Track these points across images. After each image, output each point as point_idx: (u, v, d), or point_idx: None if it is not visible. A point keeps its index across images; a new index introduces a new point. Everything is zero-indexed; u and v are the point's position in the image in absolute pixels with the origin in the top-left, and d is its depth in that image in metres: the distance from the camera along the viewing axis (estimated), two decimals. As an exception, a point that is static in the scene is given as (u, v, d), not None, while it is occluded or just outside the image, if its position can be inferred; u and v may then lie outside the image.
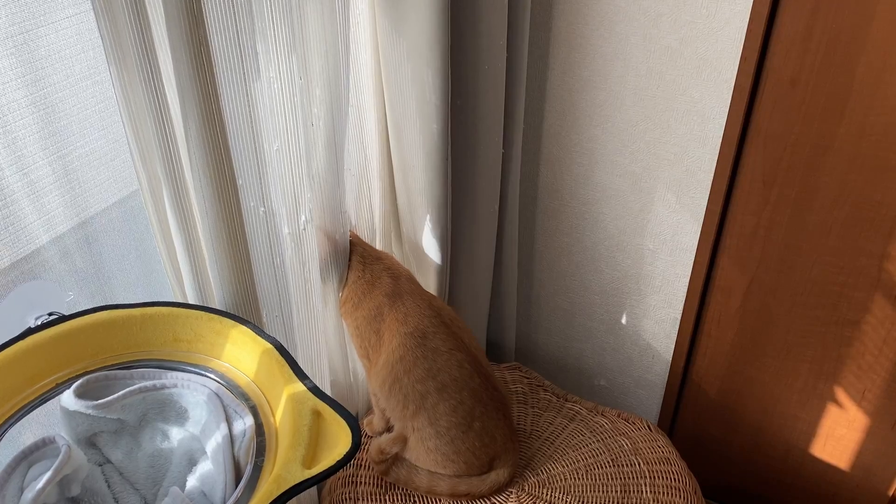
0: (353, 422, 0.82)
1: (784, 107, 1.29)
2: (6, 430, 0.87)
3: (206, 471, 0.88)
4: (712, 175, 1.41)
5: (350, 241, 1.30)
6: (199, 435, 0.92)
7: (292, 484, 0.76)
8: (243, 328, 0.95)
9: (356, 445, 0.80)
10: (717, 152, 1.38)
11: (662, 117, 1.40)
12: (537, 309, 1.80)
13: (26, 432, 0.93)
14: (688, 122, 1.39)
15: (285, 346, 0.98)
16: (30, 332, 0.92)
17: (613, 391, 1.82)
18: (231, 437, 0.86)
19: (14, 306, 0.95)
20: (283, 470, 0.77)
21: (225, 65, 0.88)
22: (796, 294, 1.46)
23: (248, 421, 0.86)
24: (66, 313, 0.97)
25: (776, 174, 1.36)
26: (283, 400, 0.87)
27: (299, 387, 0.87)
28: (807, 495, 1.70)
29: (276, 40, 0.98)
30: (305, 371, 0.89)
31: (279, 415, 0.88)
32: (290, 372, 0.89)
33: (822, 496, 1.68)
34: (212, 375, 0.94)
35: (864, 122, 1.24)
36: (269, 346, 0.92)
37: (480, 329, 1.69)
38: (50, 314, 0.97)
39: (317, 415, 0.84)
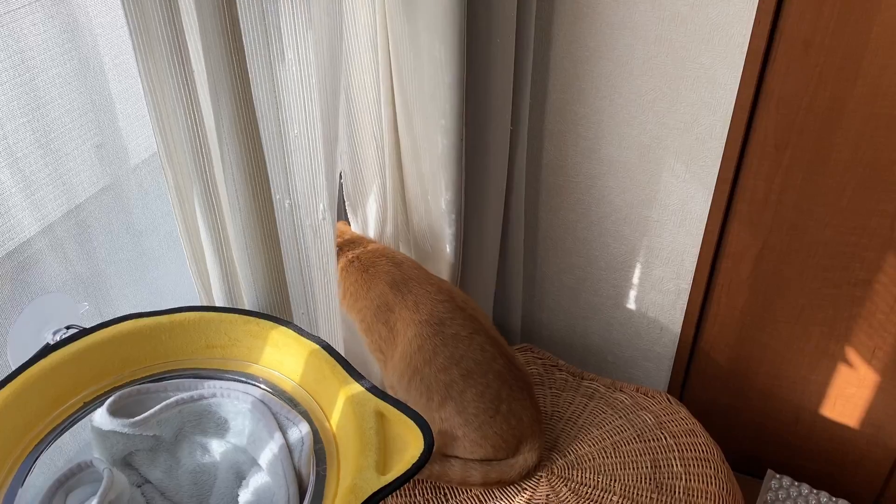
0: (422, 421, 0.78)
1: (797, 69, 1.28)
2: (37, 458, 0.80)
3: (262, 484, 0.82)
4: (724, 142, 1.39)
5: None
6: (244, 446, 0.87)
7: (371, 493, 0.71)
8: (284, 329, 0.89)
9: (430, 446, 0.75)
10: (729, 118, 1.36)
11: (672, 85, 1.38)
12: (541, 288, 1.77)
13: (55, 458, 0.86)
14: (698, 89, 1.36)
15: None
16: (50, 349, 0.85)
17: (621, 365, 1.80)
18: (288, 447, 0.80)
19: (28, 323, 0.88)
20: (359, 478, 0.73)
21: (253, 48, 0.82)
22: (808, 257, 1.46)
23: (304, 428, 0.81)
24: (85, 326, 0.90)
25: (789, 138, 1.35)
26: (341, 403, 0.82)
27: (356, 388, 0.82)
28: (816, 455, 1.72)
29: (294, 18, 0.91)
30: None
31: (336, 419, 0.82)
32: (344, 372, 0.84)
33: (831, 454, 1.70)
34: (253, 382, 0.88)
35: (879, 81, 1.24)
36: (316, 346, 0.86)
37: (487, 311, 1.65)
38: (68, 328, 0.90)
39: (380, 416, 0.79)
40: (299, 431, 0.81)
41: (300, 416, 0.83)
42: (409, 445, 0.76)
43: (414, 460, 0.74)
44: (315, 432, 0.82)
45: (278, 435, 0.81)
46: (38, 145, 0.89)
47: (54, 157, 0.92)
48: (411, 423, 0.77)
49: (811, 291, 1.50)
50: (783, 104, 1.32)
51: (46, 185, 0.93)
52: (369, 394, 0.81)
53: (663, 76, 1.38)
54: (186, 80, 0.76)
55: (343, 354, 1.29)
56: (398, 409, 0.79)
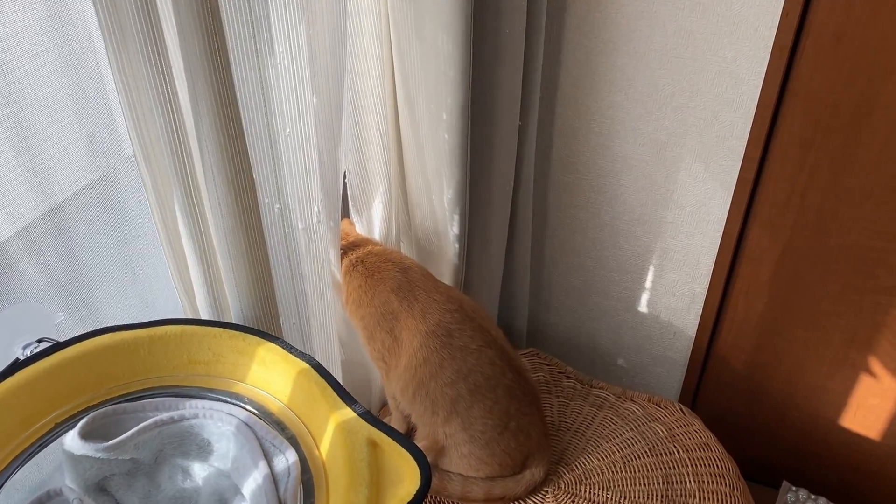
0: (419, 453, 0.71)
1: (826, 64, 1.20)
2: (2, 485, 0.74)
3: (245, 516, 0.76)
4: (745, 141, 1.31)
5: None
6: (227, 470, 0.80)
7: (361, 534, 0.65)
8: (271, 345, 0.82)
9: (427, 481, 0.69)
10: (752, 116, 1.28)
11: (692, 80, 1.30)
12: (548, 289, 1.70)
13: (24, 482, 0.80)
14: (719, 84, 1.28)
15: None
16: (19, 365, 0.79)
17: (631, 370, 1.74)
18: (273, 477, 0.74)
19: (-4, 335, 0.81)
20: (347, 518, 0.66)
21: (237, 39, 0.75)
22: (831, 262, 1.39)
23: (291, 457, 0.75)
24: (59, 339, 0.83)
25: (814, 137, 1.27)
26: (331, 429, 0.75)
27: (348, 413, 0.75)
28: (832, 465, 1.65)
29: (285, 7, 0.84)
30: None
31: (325, 446, 0.76)
32: (335, 395, 0.77)
33: (848, 465, 1.63)
34: (238, 402, 0.82)
35: (914, 77, 1.16)
36: (306, 365, 0.80)
37: (492, 314, 1.58)
38: (39, 341, 0.83)
39: (373, 446, 0.73)
40: (286, 460, 0.75)
41: (287, 443, 0.76)
42: (405, 480, 0.70)
43: (409, 497, 0.68)
44: (303, 461, 0.76)
45: (263, 464, 0.74)
46: (12, 142, 0.83)
47: (32, 154, 0.85)
48: (407, 454, 0.71)
49: (833, 297, 1.43)
50: (809, 101, 1.24)
51: (22, 183, 0.86)
52: (362, 420, 0.74)
53: (682, 70, 1.30)
54: (163, 75, 0.69)
55: (341, 362, 1.24)
56: (393, 438, 0.72)
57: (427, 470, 0.69)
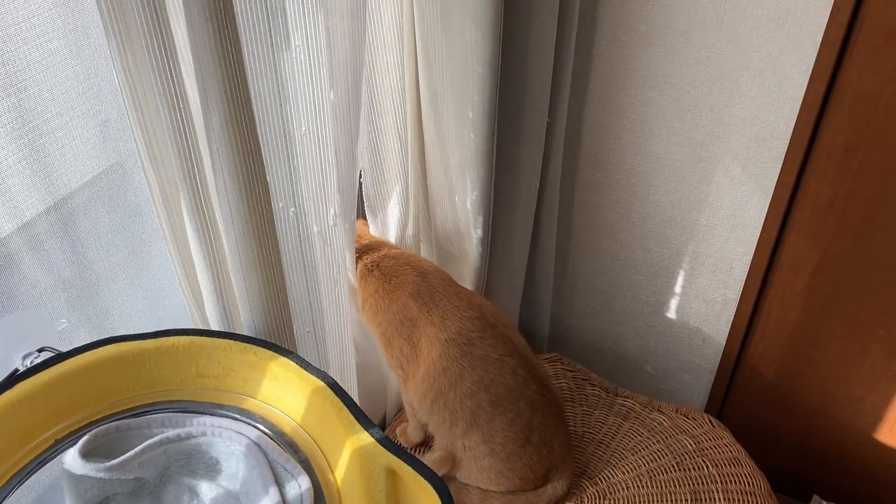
0: (440, 484, 0.66)
1: (879, 62, 1.12)
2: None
3: (254, 545, 0.71)
4: (787, 142, 1.24)
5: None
6: (236, 492, 0.75)
7: (378, 576, 0.60)
8: (284, 360, 0.77)
9: (450, 517, 0.64)
10: (795, 116, 1.21)
11: (732, 77, 1.23)
12: (571, 290, 1.64)
13: (21, 502, 0.75)
14: (761, 82, 1.21)
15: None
16: (18, 377, 0.74)
17: (656, 376, 1.68)
18: (284, 505, 0.69)
19: (-6, 344, 0.76)
20: (363, 556, 0.61)
21: (251, 32, 0.69)
22: (872, 270, 1.32)
23: (304, 483, 0.70)
24: (61, 349, 0.79)
25: (861, 139, 1.20)
26: (347, 455, 0.70)
27: (366, 438, 0.70)
28: (866, 479, 1.59)
29: (304, -1, 0.78)
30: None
31: (341, 473, 0.71)
32: (351, 418, 0.72)
33: (882, 481, 1.57)
34: (248, 420, 0.77)
35: (974, 77, 1.08)
36: (321, 383, 0.75)
37: (513, 317, 1.53)
38: (40, 350, 0.79)
39: (392, 475, 0.68)
40: (298, 487, 0.70)
41: (299, 467, 0.71)
42: (425, 513, 0.64)
43: (430, 534, 0.63)
44: (316, 487, 0.71)
45: (274, 490, 0.70)
46: (18, 133, 0.78)
47: (38, 145, 0.80)
48: (428, 486, 0.66)
49: (873, 307, 1.36)
50: (859, 101, 1.17)
51: (28, 177, 0.81)
52: (380, 447, 0.69)
53: (722, 66, 1.23)
54: (171, 71, 0.63)
55: (356, 364, 1.19)
56: (413, 467, 0.67)
57: (450, 503, 0.64)
